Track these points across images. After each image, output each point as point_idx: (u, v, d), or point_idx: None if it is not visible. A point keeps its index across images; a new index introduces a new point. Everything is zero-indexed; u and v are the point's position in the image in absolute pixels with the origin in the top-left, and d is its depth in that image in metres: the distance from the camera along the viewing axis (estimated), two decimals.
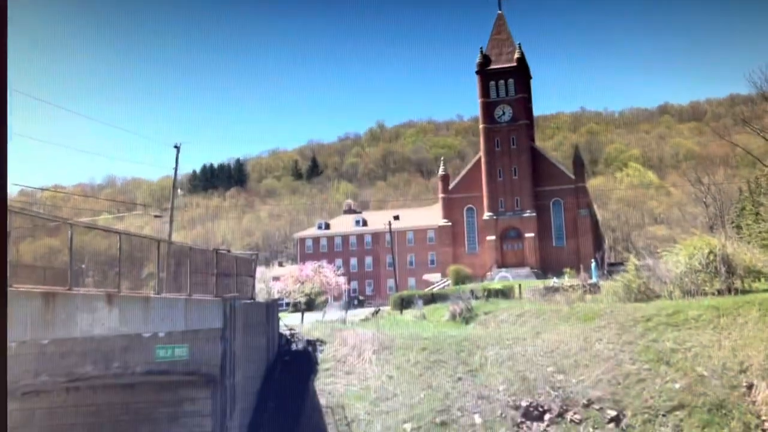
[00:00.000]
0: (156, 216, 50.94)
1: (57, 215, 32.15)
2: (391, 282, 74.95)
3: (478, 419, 35.50)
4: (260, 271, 46.72)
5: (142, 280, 27.69)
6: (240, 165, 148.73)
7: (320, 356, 40.46)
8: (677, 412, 35.43)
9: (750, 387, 36.10)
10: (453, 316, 47.48)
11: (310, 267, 55.37)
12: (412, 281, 75.29)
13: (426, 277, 73.35)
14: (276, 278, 51.13)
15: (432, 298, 54.20)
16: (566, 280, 50.90)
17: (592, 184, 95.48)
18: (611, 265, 54.82)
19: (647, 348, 39.47)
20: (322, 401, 36.72)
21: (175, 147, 44.52)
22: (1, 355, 3.63)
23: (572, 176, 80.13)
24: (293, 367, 39.00)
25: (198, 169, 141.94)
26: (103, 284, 24.64)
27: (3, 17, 3.32)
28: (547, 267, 66.83)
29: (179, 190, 48.97)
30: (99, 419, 28.70)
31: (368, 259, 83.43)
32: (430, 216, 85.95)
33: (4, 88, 3.83)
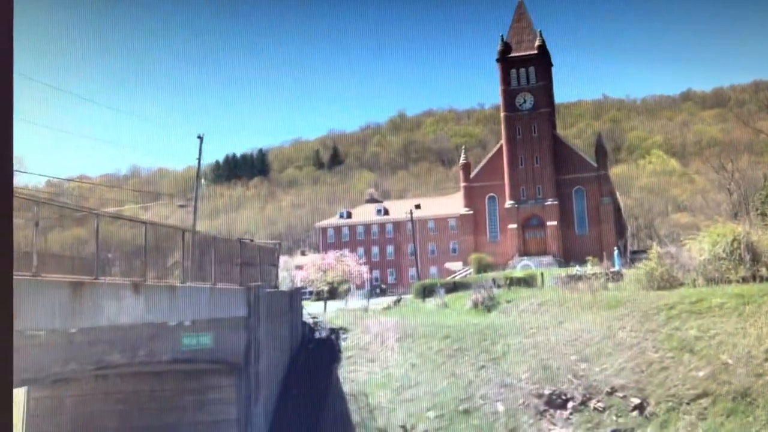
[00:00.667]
0: (180, 206, 51.32)
1: (83, 205, 32.54)
2: (412, 270, 75.08)
3: (500, 407, 35.58)
4: (283, 260, 47.08)
5: (168, 269, 28.03)
6: (262, 155, 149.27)
7: (343, 344, 40.72)
8: (701, 401, 35.30)
9: None
10: (475, 305, 47.48)
11: (332, 256, 55.60)
12: (433, 270, 75.44)
13: (448, 265, 73.42)
14: (299, 267, 51.42)
15: (454, 287, 54.25)
16: (589, 268, 50.74)
17: (615, 171, 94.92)
18: (634, 252, 54.63)
19: (670, 336, 39.32)
20: (345, 389, 36.97)
21: (198, 137, 44.89)
22: (7, 345, 3.69)
23: (594, 164, 79.81)
24: (316, 355, 39.29)
25: (221, 160, 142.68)
26: (130, 273, 25.00)
27: (9, 5, 3.41)
28: (569, 255, 66.70)
29: (203, 180, 49.28)
30: (126, 407, 29.16)
31: (390, 248, 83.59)
32: (452, 205, 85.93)
33: (9, 75, 3.84)
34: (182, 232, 29.87)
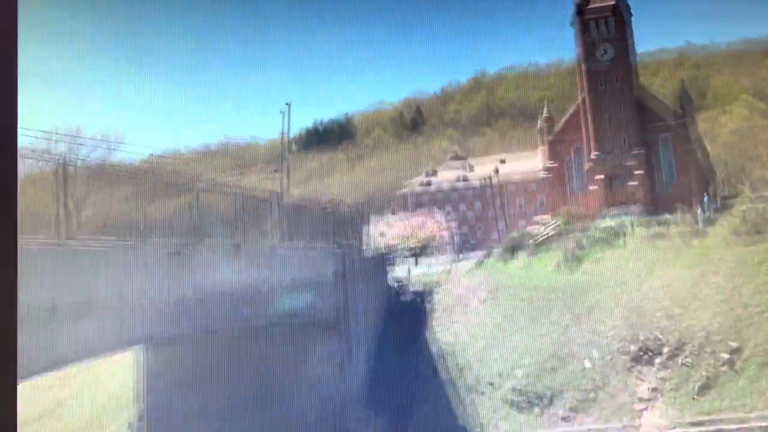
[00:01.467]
0: (274, 171, 52.87)
1: (181, 178, 34.16)
2: (500, 226, 75.37)
3: (587, 364, 35.66)
4: (372, 221, 48.06)
5: (264, 233, 29.39)
6: (348, 119, 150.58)
7: (431, 304, 41.35)
8: None
9: None
10: (563, 259, 47.55)
11: (419, 215, 56.46)
12: (521, 224, 75.45)
13: (535, 220, 73.29)
14: (387, 228, 52.35)
15: (541, 242, 54.40)
16: (678, 217, 50.10)
17: (701, 118, 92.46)
18: (724, 198, 53.63)
19: (763, 287, 38.55)
20: (434, 348, 37.70)
21: (286, 105, 46.32)
22: (12, 310, 4.04)
23: (680, 111, 78.26)
24: (406, 315, 40.10)
25: (309, 126, 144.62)
26: (230, 239, 26.37)
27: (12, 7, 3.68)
28: (657, 204, 65.84)
29: (293, 147, 50.72)
30: (232, 364, 30.95)
31: (477, 205, 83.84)
32: (537, 159, 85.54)
33: (13, 46, 4.18)
34: (276, 198, 31.26)
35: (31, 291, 16.66)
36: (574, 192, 79.20)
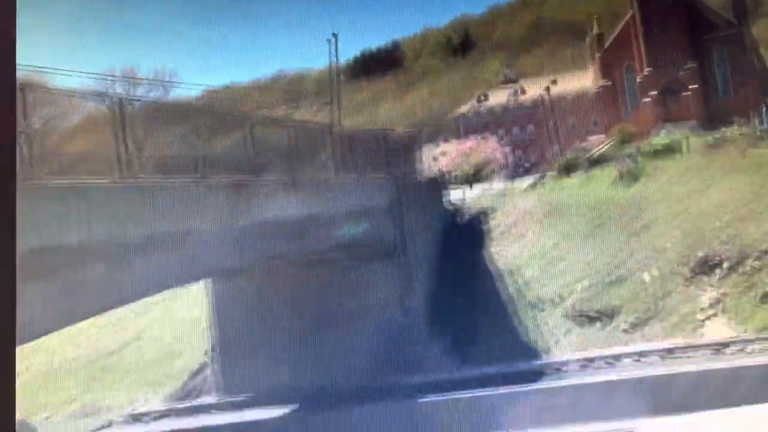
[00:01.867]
0: (325, 103, 53.08)
1: (235, 113, 34.69)
2: (554, 148, 74.76)
3: (647, 278, 35.69)
4: (425, 148, 48.18)
5: (319, 164, 29.82)
6: (396, 46, 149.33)
7: (490, 224, 41.67)
8: None
9: None
10: (619, 176, 47.24)
11: (472, 140, 56.36)
12: (574, 146, 74.71)
13: (589, 139, 72.52)
14: (441, 154, 52.41)
15: (596, 160, 53.99)
16: (735, 129, 49.18)
17: (758, 26, 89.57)
18: None
19: None
20: (494, 268, 38.10)
21: (333, 35, 46.11)
22: (10, 342, 4.09)
23: (734, 21, 76.01)
24: (465, 236, 40.50)
25: (358, 55, 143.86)
26: (286, 171, 26.83)
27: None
28: (713, 118, 64.54)
29: (342, 77, 50.75)
30: (296, 291, 31.91)
31: (529, 127, 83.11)
32: (589, 78, 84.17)
33: (12, 71, 4.21)
34: (329, 129, 31.60)
35: (101, 228, 17.37)
36: (627, 110, 77.97)
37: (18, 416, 32.64)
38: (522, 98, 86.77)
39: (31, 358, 35.22)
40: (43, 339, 22.23)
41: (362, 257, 32.51)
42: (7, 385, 4.18)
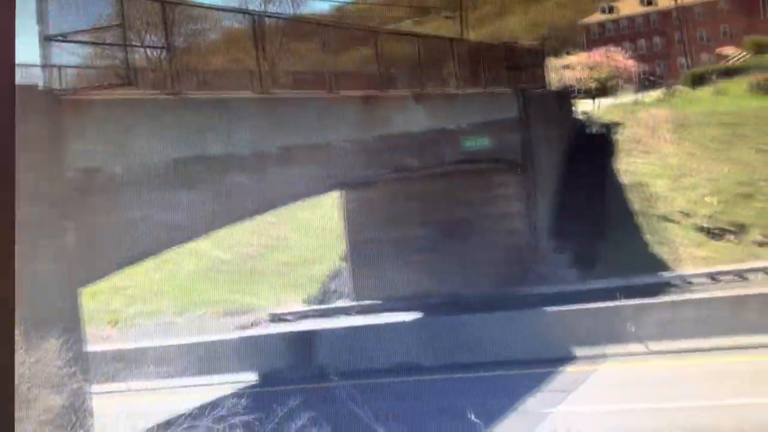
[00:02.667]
0: (447, 17, 52.86)
1: (364, 26, 35.09)
2: (682, 60, 72.02)
3: None
4: (550, 60, 47.45)
5: (443, 78, 29.99)
6: None
7: (617, 138, 41.07)
8: None
9: None
10: (752, 88, 45.53)
11: (598, 53, 54.93)
12: (704, 57, 71.71)
13: (720, 50, 69.52)
14: (566, 67, 51.41)
15: (727, 73, 52.02)
16: None
17: None
18: None
19: None
20: (623, 180, 37.67)
21: None
22: (8, 343, 3.91)
23: None
24: (591, 150, 40.10)
25: None
26: (411, 85, 27.17)
27: None
28: None
29: None
30: (424, 204, 32.73)
31: (656, 39, 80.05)
32: None
33: (11, 64, 4.15)
34: (453, 42, 31.59)
35: (241, 140, 18.30)
36: (761, 19, 73.93)
37: (170, 314, 35.35)
38: (649, 9, 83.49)
39: (182, 261, 37.54)
40: (191, 244, 23.78)
41: (485, 171, 32.81)
42: (6, 385, 4.24)
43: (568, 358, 24.44)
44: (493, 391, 22.14)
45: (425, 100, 27.23)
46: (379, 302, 33.09)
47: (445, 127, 28.46)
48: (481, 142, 30.23)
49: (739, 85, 47.26)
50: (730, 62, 58.23)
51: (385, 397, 21.68)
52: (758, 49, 57.81)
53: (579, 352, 24.62)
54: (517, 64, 36.91)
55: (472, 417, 12.74)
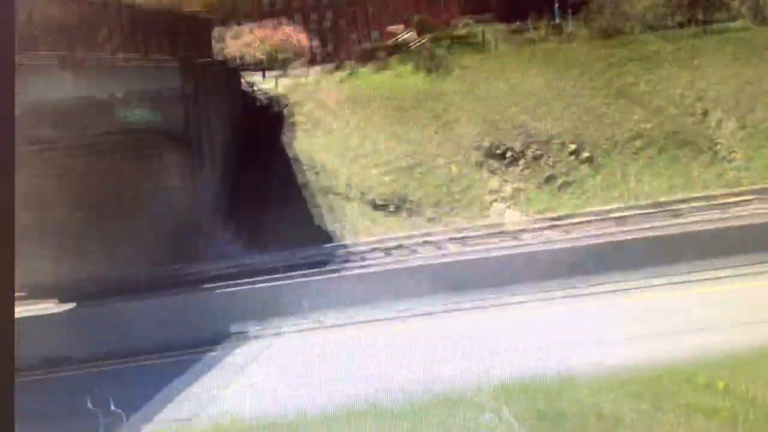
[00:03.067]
0: None
1: None
2: (353, 36, 73.70)
3: (441, 161, 36.72)
4: (218, 30, 46.03)
5: (98, 43, 27.38)
6: None
7: (286, 112, 40.72)
8: (636, 142, 36.88)
9: (705, 114, 37.54)
10: (417, 68, 47.31)
11: (268, 24, 54.36)
12: (375, 34, 74.07)
13: (390, 29, 72.15)
14: (235, 37, 50.23)
15: (395, 50, 53.76)
16: (530, 24, 50.30)
17: None
18: (575, 5, 53.83)
19: (608, 83, 40.30)
20: (290, 154, 37.42)
21: None
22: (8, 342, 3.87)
23: None
24: (260, 124, 39.45)
25: None
26: (57, 49, 24.35)
27: None
28: (509, 12, 65.83)
29: None
30: (71, 180, 29.28)
31: (328, 14, 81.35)
32: None
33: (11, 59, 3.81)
34: (106, 3, 28.98)
35: None
36: (431, 0, 77.82)
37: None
38: None
39: None
40: None
41: (144, 144, 30.48)
42: (6, 385, 3.85)
43: (238, 336, 23.47)
44: (156, 378, 20.55)
45: (73, 65, 24.58)
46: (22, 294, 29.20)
47: (96, 96, 25.95)
48: (138, 113, 28.07)
49: (405, 64, 48.74)
50: (399, 40, 60.29)
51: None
52: (424, 29, 60.35)
53: (250, 328, 23.72)
54: (181, 32, 35.00)
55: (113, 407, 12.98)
